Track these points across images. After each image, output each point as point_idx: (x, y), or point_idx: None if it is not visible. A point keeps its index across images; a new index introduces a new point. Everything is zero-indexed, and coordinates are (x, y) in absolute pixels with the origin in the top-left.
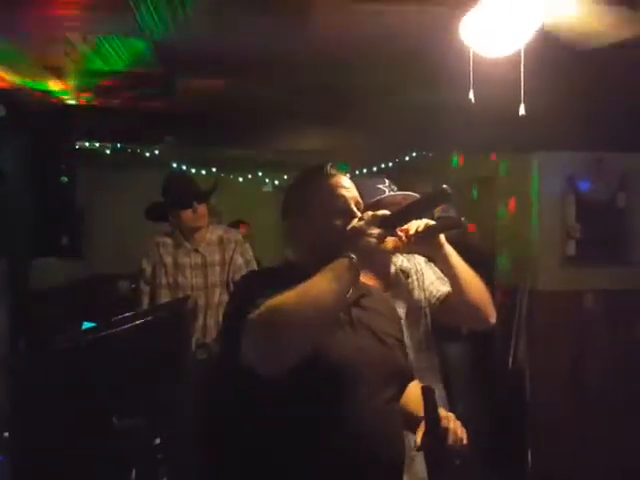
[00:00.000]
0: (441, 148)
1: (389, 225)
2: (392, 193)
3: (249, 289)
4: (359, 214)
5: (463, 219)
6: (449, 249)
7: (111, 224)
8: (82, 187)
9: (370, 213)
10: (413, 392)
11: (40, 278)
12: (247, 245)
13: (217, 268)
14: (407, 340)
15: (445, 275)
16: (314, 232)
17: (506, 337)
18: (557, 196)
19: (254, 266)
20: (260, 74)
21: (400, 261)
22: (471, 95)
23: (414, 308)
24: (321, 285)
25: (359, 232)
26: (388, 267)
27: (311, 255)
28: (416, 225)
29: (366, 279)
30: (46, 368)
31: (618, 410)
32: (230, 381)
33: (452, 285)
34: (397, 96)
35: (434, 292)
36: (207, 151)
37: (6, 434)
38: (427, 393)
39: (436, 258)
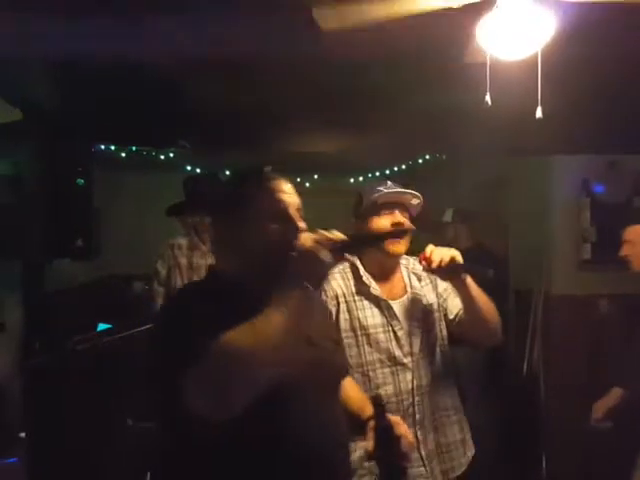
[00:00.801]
0: (455, 151)
1: (339, 250)
2: (386, 191)
3: (184, 319)
4: (301, 222)
5: (491, 271)
6: (470, 283)
7: (126, 226)
8: (97, 189)
9: (323, 233)
10: (352, 391)
11: (54, 279)
12: None
13: None
14: (423, 343)
15: (462, 303)
16: (250, 240)
17: (520, 341)
18: (572, 199)
19: None
20: (274, 77)
21: (412, 264)
22: (487, 98)
23: (427, 312)
24: (276, 321)
25: (311, 254)
26: (397, 271)
27: (244, 263)
28: (440, 257)
29: (382, 282)
30: (61, 370)
31: (634, 415)
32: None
33: (467, 313)
34: (412, 98)
35: (448, 300)
36: (221, 154)
37: (22, 434)
38: (376, 400)
39: (456, 288)
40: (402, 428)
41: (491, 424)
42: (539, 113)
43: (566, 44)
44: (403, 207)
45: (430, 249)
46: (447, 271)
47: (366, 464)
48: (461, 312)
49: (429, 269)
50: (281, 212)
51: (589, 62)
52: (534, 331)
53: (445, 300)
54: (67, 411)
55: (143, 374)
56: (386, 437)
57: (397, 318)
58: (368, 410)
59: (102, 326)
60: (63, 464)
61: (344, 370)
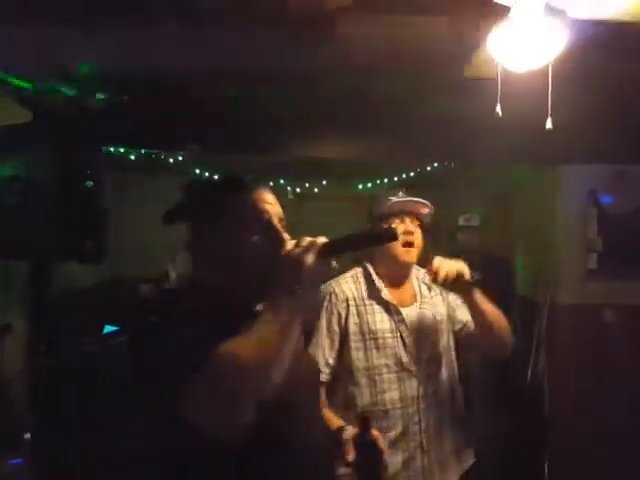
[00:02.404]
0: (463, 160)
1: (327, 254)
2: (397, 199)
3: (170, 337)
4: (284, 233)
5: (503, 283)
6: (479, 297)
7: (133, 228)
8: (106, 191)
9: (308, 239)
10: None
11: (62, 281)
12: None
13: None
14: (431, 351)
15: (471, 316)
16: (229, 247)
17: (525, 351)
18: (579, 209)
19: None
20: (284, 82)
21: (422, 274)
22: (498, 109)
23: (436, 322)
24: (273, 331)
25: (296, 260)
26: (408, 280)
27: (225, 274)
28: (446, 270)
29: (393, 288)
30: (68, 371)
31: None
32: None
33: (477, 324)
34: (420, 107)
35: (457, 311)
36: (229, 158)
37: (27, 435)
38: (364, 417)
39: (465, 301)
40: (382, 442)
41: (495, 432)
42: (549, 124)
43: (575, 55)
44: (414, 215)
45: (437, 262)
46: (454, 284)
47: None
48: (469, 323)
49: (436, 281)
50: (264, 223)
51: (599, 72)
52: (539, 340)
53: (454, 310)
54: (73, 412)
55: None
56: (368, 452)
57: (406, 324)
58: (335, 421)
59: (109, 328)
60: (68, 465)
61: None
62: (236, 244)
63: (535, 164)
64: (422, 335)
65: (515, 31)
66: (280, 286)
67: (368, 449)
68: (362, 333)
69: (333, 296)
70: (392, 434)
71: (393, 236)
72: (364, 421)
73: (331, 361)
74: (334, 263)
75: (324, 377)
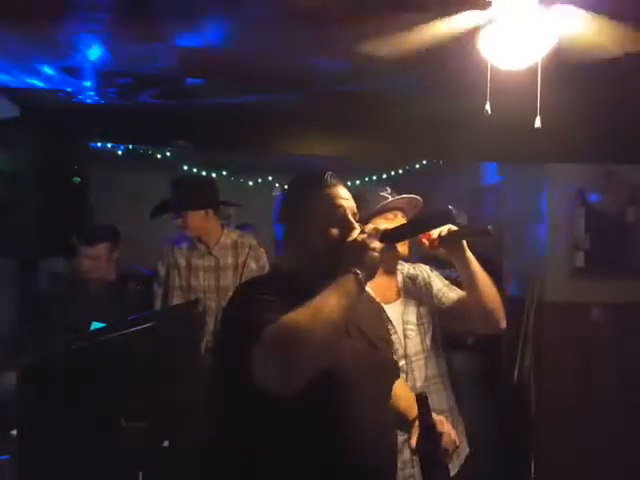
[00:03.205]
0: (451, 157)
1: (390, 239)
2: (397, 197)
3: (251, 301)
4: (356, 225)
5: (490, 227)
6: (470, 255)
7: (119, 224)
8: (93, 187)
9: (371, 226)
10: (400, 390)
11: (48, 277)
12: (262, 250)
13: (230, 272)
14: (417, 346)
15: (463, 279)
16: (310, 240)
17: (512, 349)
18: (567, 208)
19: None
20: (275, 81)
21: (406, 269)
22: (488, 107)
23: (423, 314)
24: (332, 302)
25: (361, 245)
26: (393, 275)
27: (306, 264)
28: (439, 230)
29: (375, 285)
30: (55, 368)
31: (625, 425)
32: (232, 391)
33: (469, 289)
34: (410, 104)
35: (443, 299)
36: (218, 154)
37: (14, 432)
38: (421, 399)
39: (457, 262)
40: (445, 426)
41: (481, 429)
42: (538, 123)
43: (564, 53)
44: (404, 211)
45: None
46: (448, 240)
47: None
48: (460, 299)
49: (432, 245)
50: (341, 218)
51: (588, 71)
52: (526, 338)
53: (440, 299)
54: (60, 410)
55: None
56: (429, 434)
57: (390, 322)
58: (414, 410)
59: (96, 325)
60: (55, 463)
61: (398, 371)
62: (316, 236)
63: (523, 163)
64: (408, 331)
65: (504, 29)
66: (346, 268)
67: (429, 433)
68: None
69: None
70: None
71: (449, 217)
72: (421, 401)
73: None
74: (400, 249)
75: None
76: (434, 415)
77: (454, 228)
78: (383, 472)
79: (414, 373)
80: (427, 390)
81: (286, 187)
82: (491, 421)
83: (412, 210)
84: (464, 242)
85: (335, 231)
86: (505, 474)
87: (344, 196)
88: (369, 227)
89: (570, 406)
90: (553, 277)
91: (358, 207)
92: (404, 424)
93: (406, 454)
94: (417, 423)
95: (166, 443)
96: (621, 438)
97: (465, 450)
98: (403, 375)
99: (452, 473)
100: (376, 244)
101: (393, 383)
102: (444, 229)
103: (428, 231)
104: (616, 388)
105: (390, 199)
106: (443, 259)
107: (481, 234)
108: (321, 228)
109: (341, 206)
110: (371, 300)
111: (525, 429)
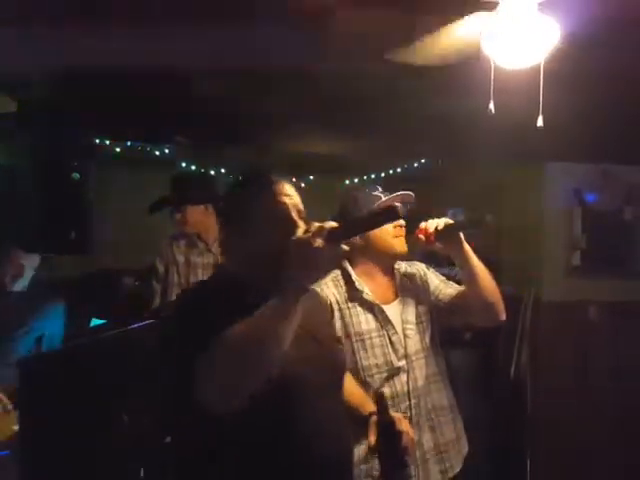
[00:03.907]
0: (449, 157)
1: (336, 238)
2: (390, 196)
3: (194, 313)
4: (301, 223)
5: (487, 217)
6: (468, 248)
7: (118, 221)
8: (91, 183)
9: (317, 224)
10: (350, 385)
11: (45, 274)
12: None
13: None
14: (417, 345)
15: (462, 273)
16: (254, 240)
17: (509, 346)
18: (564, 207)
19: None
20: (275, 79)
21: (403, 268)
22: (491, 106)
23: (422, 313)
24: (277, 316)
25: (305, 244)
26: (391, 275)
27: (250, 265)
28: (435, 223)
29: (374, 286)
30: (56, 364)
31: (621, 423)
32: (181, 406)
33: (468, 282)
34: (408, 104)
35: (440, 295)
36: (217, 152)
37: (15, 427)
38: (379, 396)
39: (455, 256)
40: (404, 424)
41: (477, 427)
42: (540, 122)
43: (563, 54)
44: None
45: (424, 223)
46: (445, 234)
47: (363, 467)
48: (459, 294)
49: (429, 240)
50: (285, 216)
51: (586, 71)
52: (522, 336)
53: (437, 296)
54: (60, 405)
55: (140, 370)
56: (388, 433)
57: (391, 323)
58: (369, 406)
59: (95, 321)
60: (55, 459)
61: (345, 367)
62: (258, 235)
63: (521, 161)
64: (408, 330)
65: (507, 29)
66: (289, 270)
67: (387, 431)
68: (348, 336)
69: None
70: None
71: (396, 214)
72: (379, 398)
73: None
74: (345, 247)
75: None
76: (393, 413)
77: (450, 221)
78: (341, 466)
79: (415, 372)
80: (427, 388)
81: (229, 187)
82: (487, 419)
83: (405, 206)
84: (461, 235)
85: (278, 229)
86: (501, 472)
87: (288, 193)
88: (314, 225)
89: (566, 403)
90: (550, 275)
91: (348, 209)
92: (358, 419)
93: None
94: (373, 420)
95: (168, 439)
96: (617, 436)
97: (465, 448)
98: (403, 375)
99: (455, 471)
100: (320, 243)
101: (342, 378)
102: (440, 223)
103: (375, 228)
104: (612, 386)
105: (384, 198)
106: (442, 255)
107: (479, 225)
108: (264, 227)
109: (284, 203)
110: (315, 296)
111: (521, 426)
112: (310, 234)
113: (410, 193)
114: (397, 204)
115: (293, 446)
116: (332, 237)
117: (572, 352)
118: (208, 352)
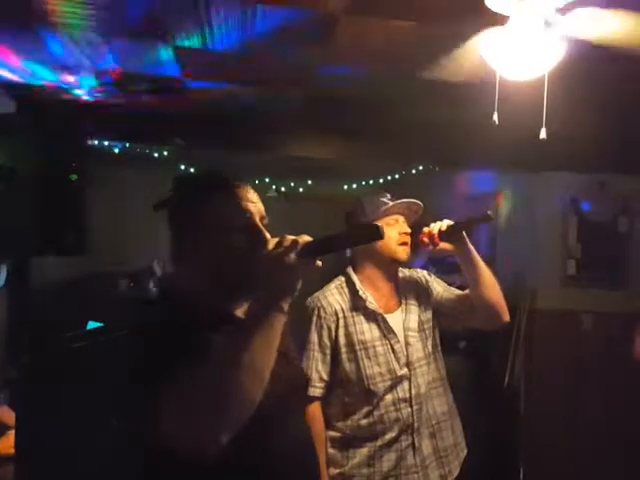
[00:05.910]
0: (447, 164)
1: (312, 253)
2: (397, 202)
3: (148, 345)
4: (267, 234)
5: (490, 212)
6: (471, 248)
7: (114, 223)
8: (88, 185)
9: (290, 238)
10: (314, 411)
11: (41, 276)
12: None
13: None
14: (419, 353)
15: (467, 274)
16: (211, 252)
17: (503, 355)
18: (559, 216)
19: None
20: (274, 83)
21: (407, 274)
22: (495, 117)
23: (424, 320)
24: (259, 347)
25: (276, 260)
26: (394, 283)
27: (206, 281)
28: (438, 225)
29: (377, 294)
30: (52, 368)
31: (614, 432)
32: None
33: (473, 284)
34: (407, 110)
35: (442, 301)
36: (214, 154)
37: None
38: None
39: (460, 257)
40: None
41: (471, 435)
42: (543, 134)
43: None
44: (405, 216)
45: (427, 227)
46: (449, 234)
47: (365, 470)
48: (461, 297)
49: (433, 242)
50: (246, 222)
51: (583, 82)
52: (517, 344)
53: (440, 301)
54: (55, 409)
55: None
56: None
57: (393, 331)
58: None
59: (92, 324)
60: (49, 463)
61: (307, 385)
62: (217, 244)
63: (518, 171)
64: (410, 338)
65: (513, 40)
66: (260, 288)
67: None
68: (352, 344)
69: (322, 310)
70: (387, 437)
71: (379, 234)
72: None
73: (325, 376)
74: (319, 263)
75: (319, 392)
76: None
77: (451, 223)
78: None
79: (417, 379)
80: (429, 394)
81: (178, 189)
82: (481, 427)
83: (413, 215)
84: (464, 235)
85: (240, 240)
86: (494, 477)
87: (251, 199)
88: (287, 239)
89: (560, 412)
90: (545, 284)
91: (355, 214)
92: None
93: (409, 459)
94: None
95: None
96: (612, 444)
97: (463, 451)
98: (405, 382)
99: (454, 475)
100: (293, 259)
101: (305, 393)
102: (443, 225)
103: (353, 246)
104: (606, 395)
105: (390, 204)
106: (445, 257)
107: (482, 221)
108: (223, 237)
109: (248, 210)
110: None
111: (515, 434)
112: (282, 249)
113: (418, 202)
114: (379, 225)
115: (260, 464)
116: (306, 253)
117: (566, 361)
118: (178, 392)
